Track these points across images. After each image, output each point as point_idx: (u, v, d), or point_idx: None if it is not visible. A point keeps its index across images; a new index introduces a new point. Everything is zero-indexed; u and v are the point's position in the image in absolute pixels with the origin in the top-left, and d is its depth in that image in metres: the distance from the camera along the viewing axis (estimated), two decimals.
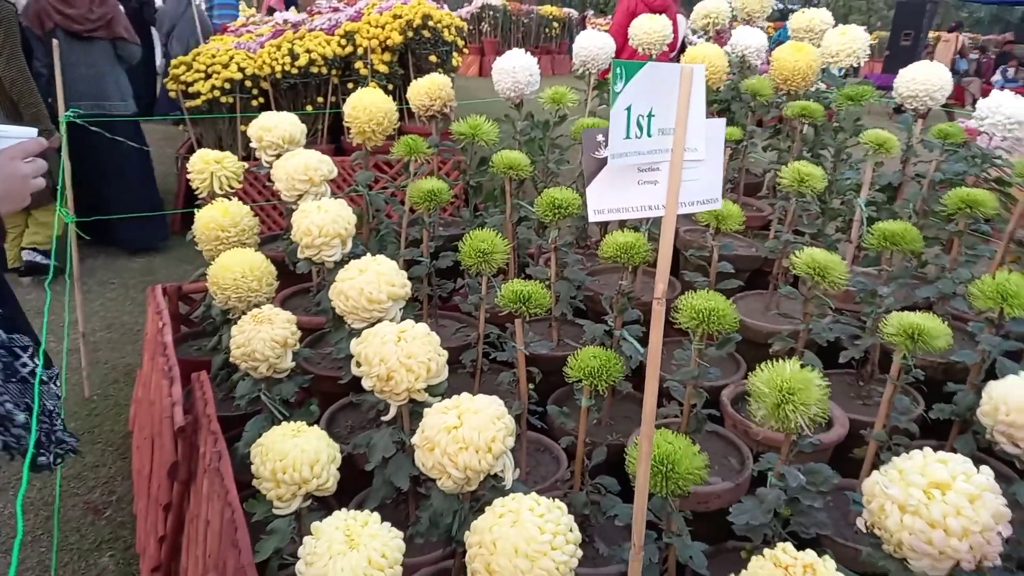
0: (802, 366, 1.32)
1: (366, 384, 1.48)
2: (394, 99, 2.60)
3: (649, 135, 0.68)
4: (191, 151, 4.70)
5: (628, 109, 0.67)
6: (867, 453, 1.60)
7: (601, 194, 0.65)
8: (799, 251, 1.72)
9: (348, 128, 2.38)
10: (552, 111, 2.54)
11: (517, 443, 1.77)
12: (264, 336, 1.57)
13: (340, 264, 1.81)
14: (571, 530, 1.08)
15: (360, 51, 4.92)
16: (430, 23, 5.00)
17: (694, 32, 3.32)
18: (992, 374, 1.62)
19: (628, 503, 1.43)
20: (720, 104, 2.97)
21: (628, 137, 0.67)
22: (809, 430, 1.30)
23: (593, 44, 2.75)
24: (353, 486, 1.71)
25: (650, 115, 0.67)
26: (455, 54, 5.24)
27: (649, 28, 2.82)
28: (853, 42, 2.61)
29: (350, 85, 4.99)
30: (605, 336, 1.89)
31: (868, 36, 2.69)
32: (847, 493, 1.61)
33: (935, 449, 1.20)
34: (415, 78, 2.59)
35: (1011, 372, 1.41)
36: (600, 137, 0.71)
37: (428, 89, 2.48)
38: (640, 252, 1.74)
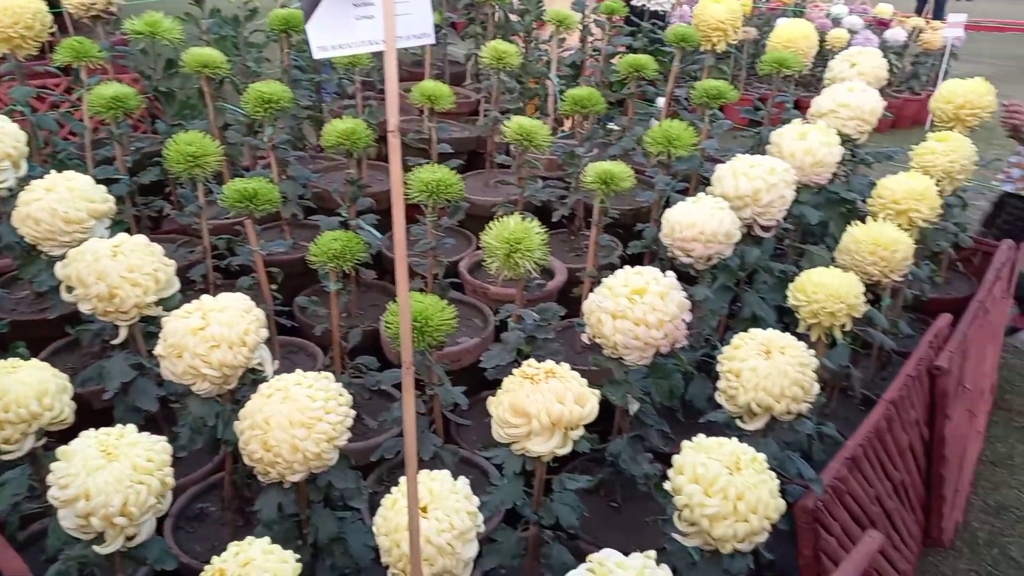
0: (522, 219, 1.48)
1: (85, 308, 1.34)
2: None
3: None
4: None
5: None
6: (583, 290, 1.86)
7: (322, 29, 0.65)
8: (507, 121, 1.86)
9: None
10: (241, 4, 2.36)
11: (269, 345, 1.75)
12: None
13: (17, 191, 1.56)
14: (341, 394, 1.12)
15: None
16: None
17: None
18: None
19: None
20: None
21: None
22: (535, 273, 1.48)
23: None
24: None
25: None
26: None
27: None
28: None
29: None
30: (341, 228, 1.89)
31: None
32: (573, 324, 1.87)
33: None
34: None
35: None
36: None
37: None
38: (363, 136, 1.75)
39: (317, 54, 0.66)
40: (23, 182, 1.61)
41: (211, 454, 1.57)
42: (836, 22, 5.94)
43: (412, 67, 2.97)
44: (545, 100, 2.71)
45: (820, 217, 1.88)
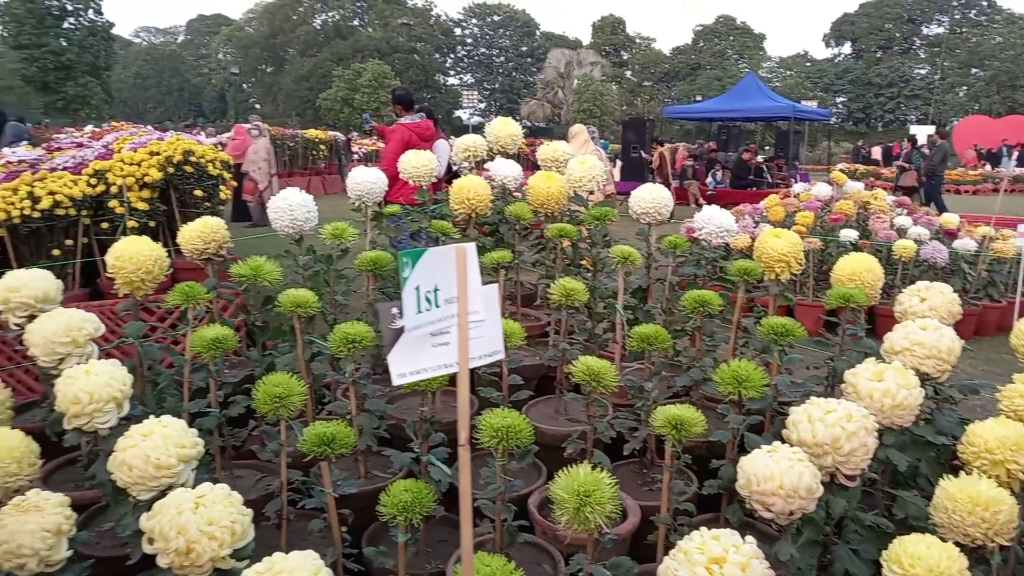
0: (593, 467, 1.47)
1: (162, 562, 1.36)
2: (157, 237, 2.48)
3: (437, 306, 0.79)
4: None
5: (417, 288, 0.77)
6: (659, 537, 1.78)
7: (401, 360, 0.72)
8: (576, 360, 1.91)
9: (111, 277, 2.24)
10: (333, 245, 2.60)
11: None
12: (32, 527, 1.39)
13: (116, 430, 1.67)
14: None
15: (114, 189, 4.64)
16: (192, 158, 4.88)
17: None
18: (744, 446, 1.90)
19: None
20: (490, 227, 3.24)
21: (420, 312, 0.77)
22: (607, 527, 1.43)
23: (366, 179, 2.90)
24: None
25: (436, 289, 0.78)
26: (223, 187, 5.14)
27: (417, 163, 3.05)
28: (591, 169, 3.03)
29: (104, 224, 4.66)
30: (412, 463, 1.91)
31: (601, 164, 3.14)
32: None
33: (712, 522, 1.38)
34: (180, 213, 2.52)
35: (756, 445, 1.67)
36: (394, 310, 0.80)
37: (201, 233, 2.43)
38: (438, 378, 1.82)
39: (396, 381, 0.72)
40: (122, 421, 1.73)
41: None
42: (901, 232, 6.00)
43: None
44: (612, 324, 2.78)
45: (908, 462, 1.79)
